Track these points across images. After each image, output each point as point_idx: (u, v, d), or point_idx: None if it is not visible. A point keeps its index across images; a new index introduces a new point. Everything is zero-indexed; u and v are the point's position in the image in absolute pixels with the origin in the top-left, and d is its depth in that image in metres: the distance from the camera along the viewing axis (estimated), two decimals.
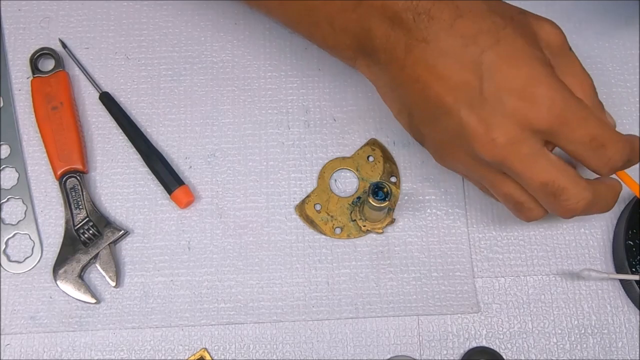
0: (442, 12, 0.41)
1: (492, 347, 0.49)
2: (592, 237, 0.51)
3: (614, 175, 0.45)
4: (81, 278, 0.50)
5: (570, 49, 0.44)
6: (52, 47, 0.55)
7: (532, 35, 0.42)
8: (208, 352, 0.49)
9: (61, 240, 0.51)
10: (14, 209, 0.52)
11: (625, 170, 0.46)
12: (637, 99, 0.54)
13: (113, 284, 0.50)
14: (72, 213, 0.51)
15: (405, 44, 0.42)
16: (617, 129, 0.43)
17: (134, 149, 0.53)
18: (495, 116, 0.41)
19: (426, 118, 0.43)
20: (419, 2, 0.41)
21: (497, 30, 0.41)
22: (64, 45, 0.55)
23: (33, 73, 0.54)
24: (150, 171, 0.52)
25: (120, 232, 0.51)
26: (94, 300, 0.50)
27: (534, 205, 0.44)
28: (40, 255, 0.51)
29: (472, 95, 0.41)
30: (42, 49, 0.54)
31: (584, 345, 0.49)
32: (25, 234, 0.51)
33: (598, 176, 0.44)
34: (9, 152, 0.53)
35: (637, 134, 0.53)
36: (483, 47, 0.41)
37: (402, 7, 0.41)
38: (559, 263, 0.51)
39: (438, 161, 0.46)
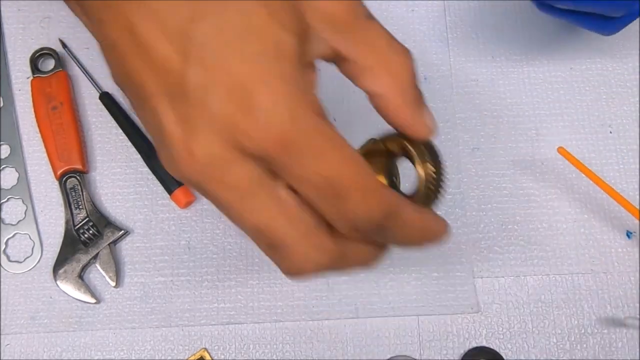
0: None
1: (492, 347, 0.49)
2: (592, 237, 0.51)
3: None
4: (81, 278, 0.50)
5: (370, 17, 0.32)
6: (52, 47, 0.55)
7: (289, 8, 0.29)
8: (208, 352, 0.49)
9: (61, 240, 0.51)
10: (14, 209, 0.52)
11: (624, 195, 0.47)
12: (637, 99, 0.54)
13: (113, 284, 0.50)
14: (72, 213, 0.51)
15: None
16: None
17: (134, 149, 0.53)
18: (197, 118, 0.28)
19: (134, 104, 0.32)
20: None
21: None
22: (64, 45, 0.55)
23: (33, 73, 0.54)
24: (150, 171, 0.52)
25: (120, 232, 0.51)
26: (94, 300, 0.50)
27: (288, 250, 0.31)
28: (40, 255, 0.51)
29: (174, 81, 0.28)
30: (42, 49, 0.54)
31: (584, 345, 0.49)
32: (25, 234, 0.51)
33: None
34: (9, 152, 0.53)
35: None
36: (199, 14, 0.28)
37: None
38: (559, 263, 0.51)
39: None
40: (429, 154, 0.36)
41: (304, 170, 0.29)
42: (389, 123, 0.35)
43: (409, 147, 0.36)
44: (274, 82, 0.28)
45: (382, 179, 0.38)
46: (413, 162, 0.35)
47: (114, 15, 0.29)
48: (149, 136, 0.53)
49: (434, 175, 0.35)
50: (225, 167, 0.29)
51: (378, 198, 0.30)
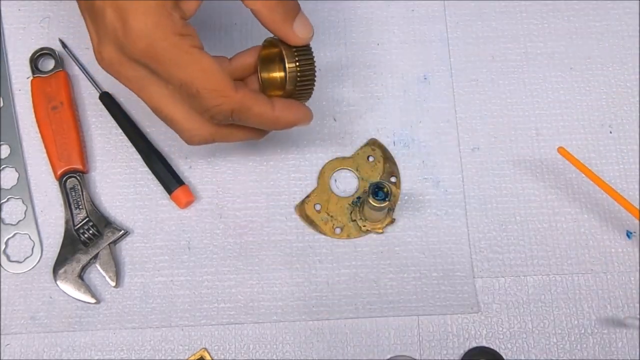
0: None
1: (492, 347, 0.49)
2: (592, 237, 0.51)
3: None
4: (81, 278, 0.50)
5: None
6: (52, 47, 0.55)
7: None
8: (208, 352, 0.49)
9: (61, 240, 0.51)
10: (14, 209, 0.52)
11: (625, 195, 0.47)
12: (637, 99, 0.54)
13: (113, 284, 0.50)
14: (72, 213, 0.51)
15: None
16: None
17: (134, 149, 0.53)
18: (101, 31, 0.40)
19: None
20: None
21: None
22: (64, 45, 0.55)
23: (33, 73, 0.54)
24: (150, 171, 0.52)
25: (120, 232, 0.51)
26: (94, 300, 0.50)
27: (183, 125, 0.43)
28: (40, 255, 0.51)
29: (89, 3, 0.40)
30: (42, 49, 0.54)
31: (584, 345, 0.49)
32: (25, 234, 0.51)
33: None
34: (9, 152, 0.53)
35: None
36: None
37: None
38: (559, 263, 0.51)
39: None
40: (300, 56, 0.44)
41: (167, 75, 0.40)
42: (270, 32, 0.43)
43: (282, 50, 0.44)
44: (141, 10, 0.39)
45: (279, 74, 0.46)
46: (283, 62, 0.44)
47: None
48: (149, 137, 0.53)
49: (298, 75, 0.44)
50: (121, 66, 0.41)
51: (226, 98, 0.41)
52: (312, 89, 0.45)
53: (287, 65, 0.44)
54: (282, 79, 0.46)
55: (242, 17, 0.56)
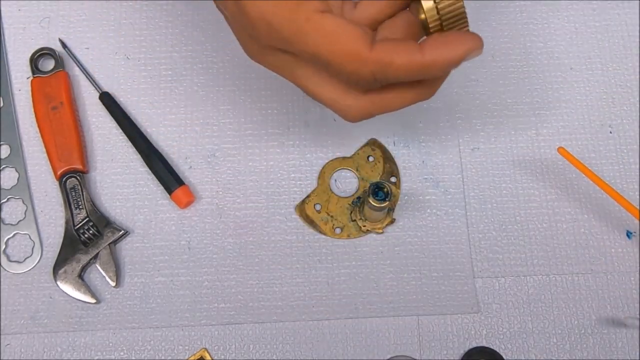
0: None
1: (492, 347, 0.49)
2: (592, 237, 0.51)
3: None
4: (81, 278, 0.50)
5: None
6: (52, 47, 0.55)
7: None
8: (208, 352, 0.49)
9: (61, 240, 0.51)
10: (14, 209, 0.52)
11: (625, 195, 0.47)
12: (637, 99, 0.54)
13: (113, 284, 0.50)
14: (72, 213, 0.51)
15: None
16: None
17: (134, 149, 0.53)
18: (235, 25, 0.40)
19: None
20: None
21: None
22: (64, 45, 0.55)
23: (33, 73, 0.54)
24: (150, 171, 0.52)
25: (120, 232, 0.51)
26: (94, 300, 0.50)
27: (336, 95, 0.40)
28: (40, 255, 0.51)
29: (231, 9, 0.39)
30: (42, 49, 0.54)
31: (584, 345, 0.49)
32: (25, 234, 0.51)
33: None
34: (9, 152, 0.53)
35: None
36: None
37: None
38: (559, 263, 0.51)
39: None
40: None
41: (298, 51, 0.37)
42: None
43: None
44: None
45: (423, 15, 0.37)
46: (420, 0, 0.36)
47: None
48: (149, 137, 0.53)
49: (440, 15, 0.36)
50: (264, 56, 0.40)
51: (360, 61, 0.36)
52: (466, 28, 0.37)
53: (422, 3, 0.36)
54: (426, 22, 0.37)
55: None
